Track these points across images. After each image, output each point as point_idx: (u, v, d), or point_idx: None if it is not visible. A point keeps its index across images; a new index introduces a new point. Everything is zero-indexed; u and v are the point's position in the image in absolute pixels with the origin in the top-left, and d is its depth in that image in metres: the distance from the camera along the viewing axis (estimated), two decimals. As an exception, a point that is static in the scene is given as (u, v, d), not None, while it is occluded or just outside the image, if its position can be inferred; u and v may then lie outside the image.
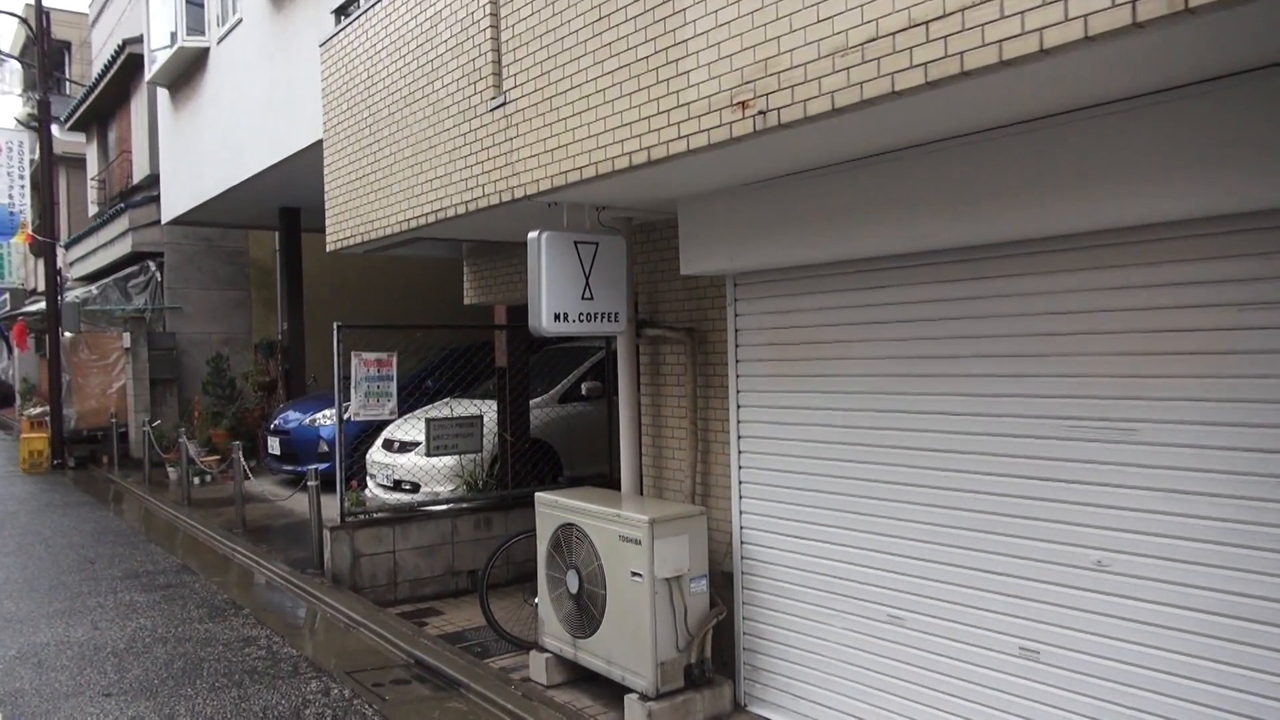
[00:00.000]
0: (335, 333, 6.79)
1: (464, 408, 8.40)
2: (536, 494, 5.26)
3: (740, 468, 4.84)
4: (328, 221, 6.65)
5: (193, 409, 13.75)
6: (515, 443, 7.85)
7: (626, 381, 5.38)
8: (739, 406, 4.84)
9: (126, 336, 14.27)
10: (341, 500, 6.84)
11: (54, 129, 20.48)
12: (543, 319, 4.58)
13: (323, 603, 6.36)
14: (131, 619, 6.01)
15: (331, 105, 6.49)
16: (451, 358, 9.65)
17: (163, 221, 13.52)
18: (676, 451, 5.29)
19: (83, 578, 7.07)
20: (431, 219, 5.28)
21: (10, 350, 24.83)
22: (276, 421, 11.22)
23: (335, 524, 6.80)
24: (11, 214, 13.90)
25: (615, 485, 8.14)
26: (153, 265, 15.04)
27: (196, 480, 11.48)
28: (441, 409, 8.39)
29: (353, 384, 6.86)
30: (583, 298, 4.75)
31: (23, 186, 13.96)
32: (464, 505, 7.45)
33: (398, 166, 5.66)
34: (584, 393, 9.11)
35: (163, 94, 13.10)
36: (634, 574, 4.52)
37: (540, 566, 5.20)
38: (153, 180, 14.80)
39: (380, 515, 7.04)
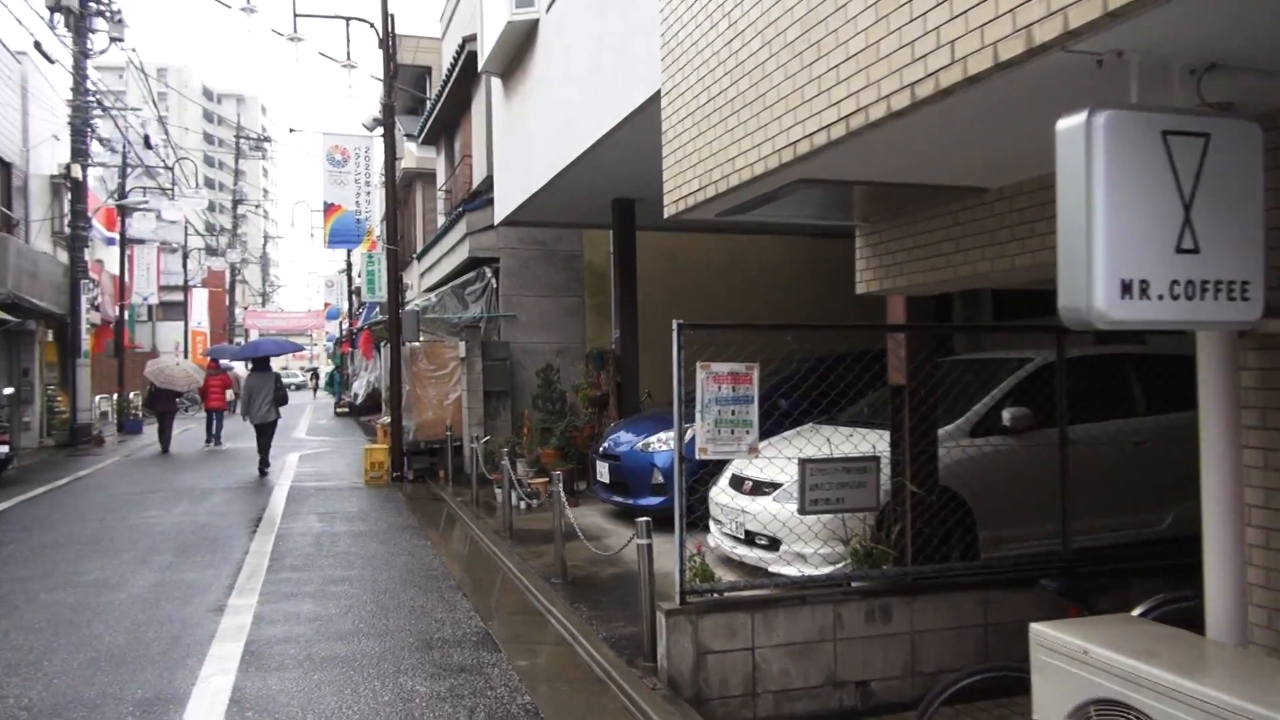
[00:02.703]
0: (675, 334, 4.80)
1: (839, 438, 6.14)
2: (1033, 628, 2.83)
3: None
4: (665, 175, 4.68)
5: (523, 424, 12.73)
6: (921, 494, 5.43)
7: (1218, 417, 2.80)
8: None
9: (462, 346, 13.63)
10: (681, 571, 4.84)
11: (410, 146, 21.09)
12: (1097, 292, 2.18)
13: (654, 727, 4.37)
14: (402, 729, 4.39)
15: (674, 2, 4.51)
16: (813, 370, 7.36)
17: (495, 222, 12.65)
18: (1337, 564, 2.62)
19: (368, 645, 5.66)
20: (838, 132, 3.06)
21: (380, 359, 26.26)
22: (606, 444, 9.63)
23: (673, 606, 4.80)
24: (359, 220, 13.82)
25: (1074, 564, 5.49)
26: (489, 272, 14.37)
27: (522, 505, 10.20)
28: (811, 438, 6.17)
29: (698, 407, 4.83)
30: (1179, 249, 2.27)
31: (368, 194, 13.87)
32: (852, 585, 5.17)
33: (772, 64, 3.51)
34: (1006, 423, 6.47)
35: (496, 85, 12.22)
36: None
37: (1042, 763, 2.77)
38: (489, 183, 14.13)
39: (733, 596, 4.95)
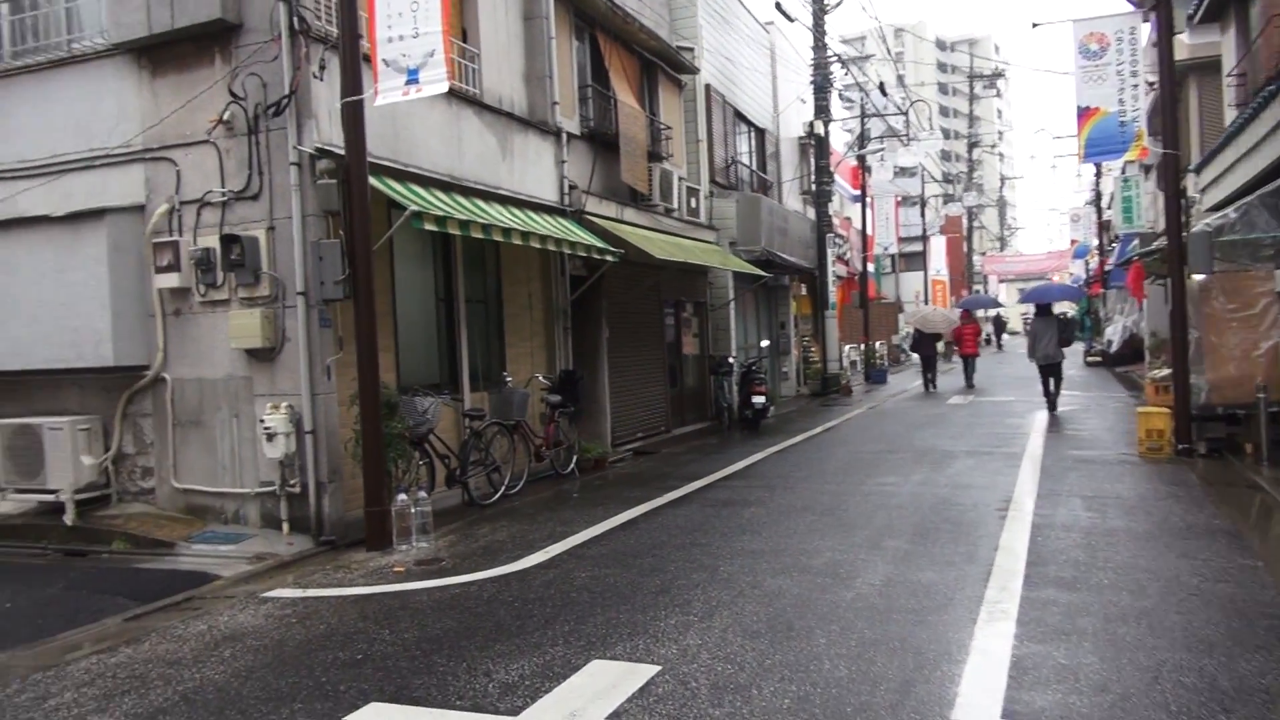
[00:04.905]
0: None
1: None
2: None
3: None
4: None
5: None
6: None
7: None
8: None
9: (1278, 276, 9.91)
10: None
11: (1181, 37, 16.98)
12: None
13: None
14: None
15: None
16: None
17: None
18: None
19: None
20: None
21: (1140, 300, 22.47)
22: None
23: None
24: (1122, 124, 10.93)
25: None
26: (1318, 170, 10.24)
27: None
28: None
29: None
30: None
31: (1134, 88, 10.90)
32: None
33: None
34: None
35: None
36: None
37: None
38: (1319, 43, 10.00)
39: None
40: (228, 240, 7.94)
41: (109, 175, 8.56)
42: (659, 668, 4.63)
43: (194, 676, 4.83)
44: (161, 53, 8.30)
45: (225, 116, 8.01)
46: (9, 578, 7.39)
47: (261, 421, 7.82)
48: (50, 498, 8.48)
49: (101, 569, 7.54)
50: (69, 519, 8.30)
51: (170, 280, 8.30)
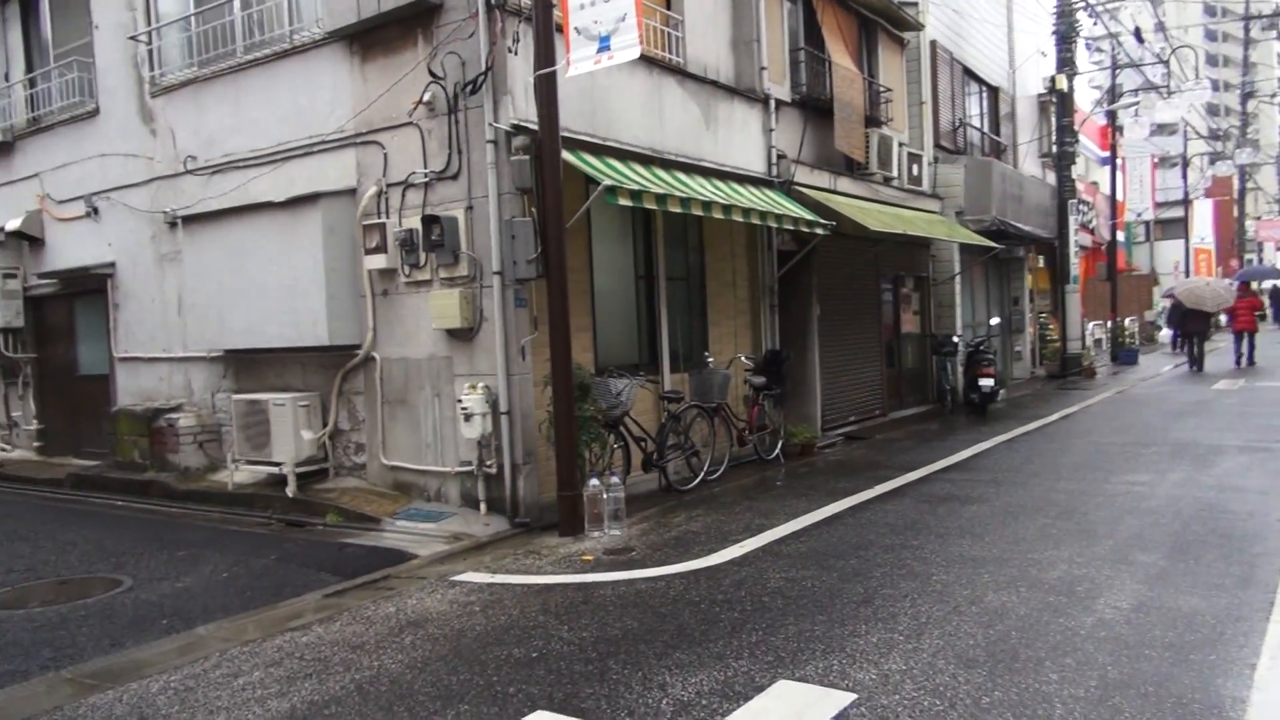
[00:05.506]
0: None
1: None
2: None
3: None
4: None
5: None
6: None
7: None
8: None
9: None
10: None
11: None
12: None
13: None
14: None
15: None
16: None
17: None
18: None
19: None
20: None
21: None
22: None
23: None
24: None
25: None
26: None
27: None
28: None
29: None
30: None
31: None
32: None
33: None
34: None
35: None
36: None
37: None
38: None
39: None
40: (428, 221, 7.98)
41: (325, 160, 8.86)
42: (854, 696, 4.06)
43: (372, 664, 4.76)
44: (369, 38, 8.46)
45: (426, 97, 8.04)
46: (235, 545, 7.82)
47: (459, 402, 7.83)
48: (275, 470, 8.96)
49: (312, 541, 7.83)
50: (290, 491, 8.73)
51: (378, 261, 8.49)
